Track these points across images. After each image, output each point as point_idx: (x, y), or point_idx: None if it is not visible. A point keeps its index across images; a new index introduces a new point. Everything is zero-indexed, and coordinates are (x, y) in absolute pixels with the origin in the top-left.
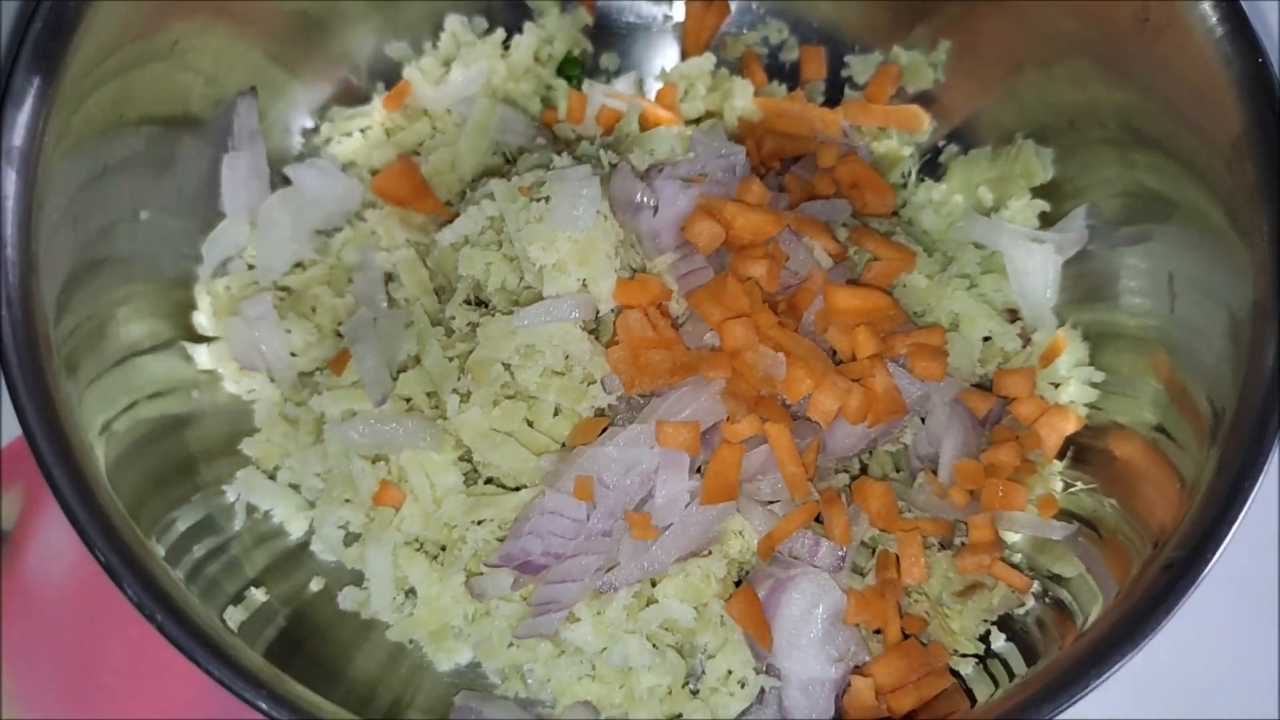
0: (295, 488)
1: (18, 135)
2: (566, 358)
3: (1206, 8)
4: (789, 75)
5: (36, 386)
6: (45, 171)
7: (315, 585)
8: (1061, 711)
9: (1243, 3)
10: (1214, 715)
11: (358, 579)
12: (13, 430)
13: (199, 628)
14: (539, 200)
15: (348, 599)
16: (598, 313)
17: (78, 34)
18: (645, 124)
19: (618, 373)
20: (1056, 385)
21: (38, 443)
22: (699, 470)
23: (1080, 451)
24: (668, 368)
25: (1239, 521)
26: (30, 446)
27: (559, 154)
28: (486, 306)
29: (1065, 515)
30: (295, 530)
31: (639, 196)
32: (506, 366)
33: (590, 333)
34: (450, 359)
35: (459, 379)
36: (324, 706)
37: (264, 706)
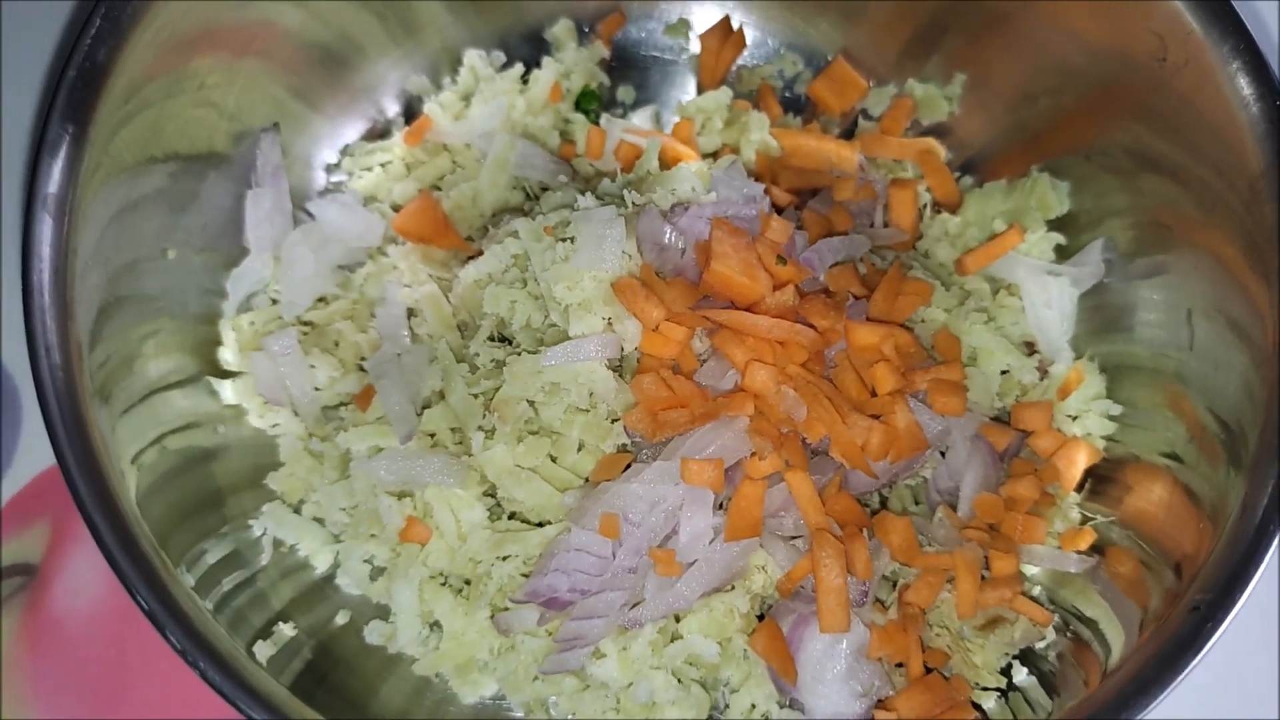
0: (320, 521)
1: (53, 182)
2: (591, 395)
3: (1226, 49)
4: (804, 107)
5: (75, 433)
6: (77, 215)
7: (341, 619)
8: None
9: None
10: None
11: (383, 613)
12: (39, 463)
13: (238, 672)
14: (564, 240)
15: (374, 633)
16: (622, 350)
17: (110, 80)
18: (665, 160)
19: (636, 430)
20: (1074, 418)
21: (78, 487)
22: (721, 506)
23: (1099, 484)
24: (686, 421)
25: (1265, 563)
26: (72, 493)
27: (582, 193)
28: (510, 342)
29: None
30: (321, 564)
31: (667, 238)
32: (531, 403)
33: (615, 369)
34: (475, 396)
35: (484, 416)
36: None
37: None
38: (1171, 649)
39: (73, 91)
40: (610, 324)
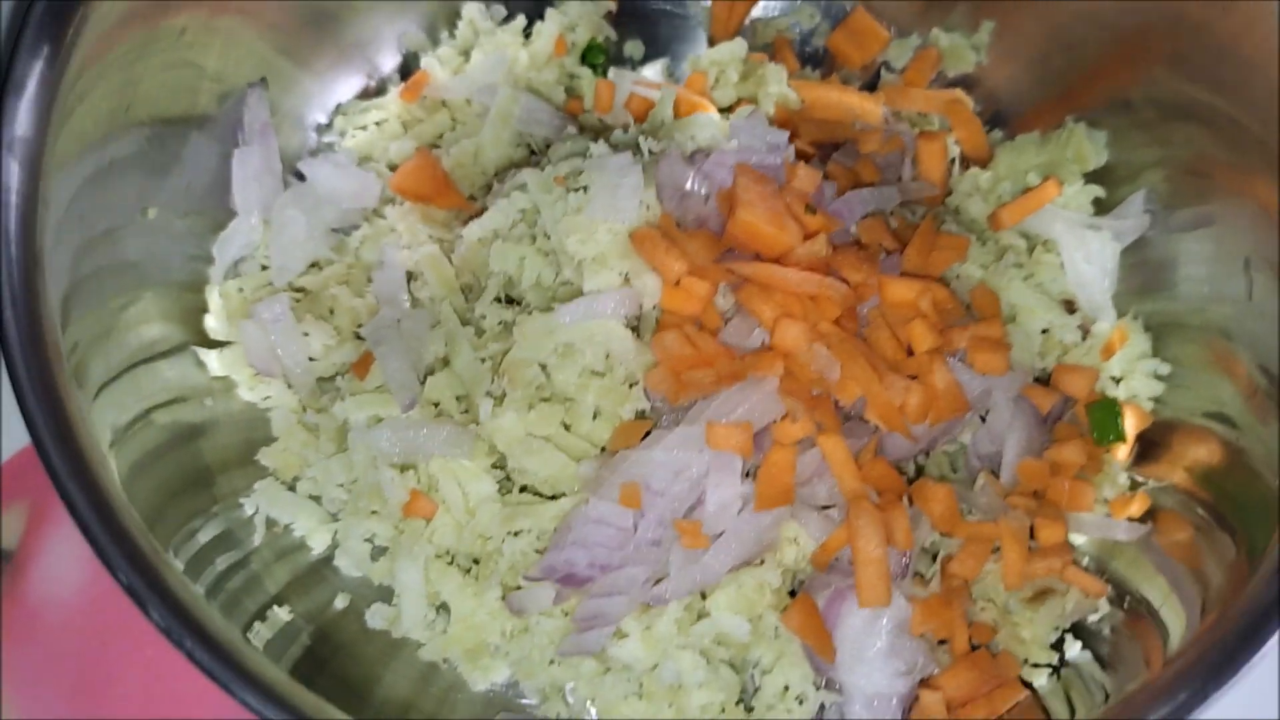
0: (316, 499)
1: (20, 124)
2: (607, 357)
3: None
4: (822, 61)
5: (45, 391)
6: (49, 165)
7: (340, 602)
8: None
9: None
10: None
11: (385, 595)
12: (15, 443)
13: (230, 654)
14: (576, 190)
15: (376, 617)
16: (641, 307)
17: (80, 16)
18: (679, 111)
19: (659, 391)
20: (1118, 380)
21: (50, 455)
22: (750, 474)
23: (1147, 448)
24: (711, 382)
25: None
26: (43, 460)
27: (594, 140)
28: (518, 304)
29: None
30: (317, 545)
31: (689, 184)
32: (543, 367)
33: (633, 328)
34: (482, 360)
35: (492, 381)
36: None
37: None
38: (1259, 613)
39: (41, 27)
40: (627, 279)
